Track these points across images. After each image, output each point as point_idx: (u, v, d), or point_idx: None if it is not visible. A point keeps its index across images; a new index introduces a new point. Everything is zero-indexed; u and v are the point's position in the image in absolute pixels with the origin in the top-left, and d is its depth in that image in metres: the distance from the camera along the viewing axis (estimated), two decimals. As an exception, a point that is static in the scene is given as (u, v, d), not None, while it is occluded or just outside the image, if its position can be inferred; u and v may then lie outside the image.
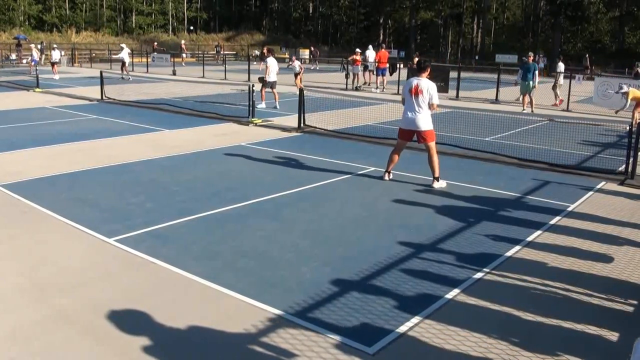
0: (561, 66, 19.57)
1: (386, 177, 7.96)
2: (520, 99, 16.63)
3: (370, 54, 27.54)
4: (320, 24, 67.29)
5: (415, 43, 56.87)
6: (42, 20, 55.42)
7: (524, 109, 16.02)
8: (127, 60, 24.98)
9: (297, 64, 20.24)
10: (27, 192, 6.90)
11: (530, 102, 16.19)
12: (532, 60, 16.54)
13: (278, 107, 15.59)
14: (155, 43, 43.93)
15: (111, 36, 55.09)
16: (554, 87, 18.67)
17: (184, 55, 39.05)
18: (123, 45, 26.17)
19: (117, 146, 10.12)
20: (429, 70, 7.72)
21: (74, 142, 10.40)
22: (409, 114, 7.59)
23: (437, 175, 7.67)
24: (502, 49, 46.34)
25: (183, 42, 44.66)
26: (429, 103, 7.50)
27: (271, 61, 15.45)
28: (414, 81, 7.57)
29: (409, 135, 7.77)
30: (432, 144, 7.61)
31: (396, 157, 7.92)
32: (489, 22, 60.07)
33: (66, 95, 18.05)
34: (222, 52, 43.88)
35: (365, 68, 25.53)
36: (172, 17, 63.97)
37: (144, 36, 57.95)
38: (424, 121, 7.56)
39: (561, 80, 18.71)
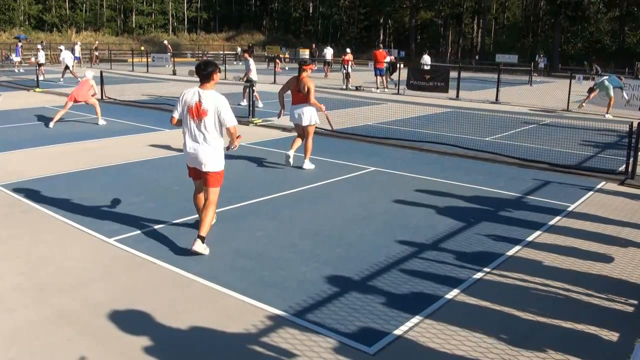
0: (426, 59, 24.86)
1: None
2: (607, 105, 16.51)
3: (328, 51, 29.08)
4: (320, 24, 67.26)
5: (415, 43, 56.84)
6: (42, 20, 55.37)
7: (607, 113, 15.77)
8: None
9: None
10: (27, 192, 6.90)
11: (608, 105, 16.08)
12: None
13: (261, 105, 15.60)
14: (96, 45, 39.83)
15: (111, 36, 55.10)
16: None
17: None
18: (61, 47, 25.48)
19: (117, 146, 10.12)
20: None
21: (74, 142, 10.40)
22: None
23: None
24: (502, 49, 46.34)
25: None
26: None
27: (252, 62, 16.01)
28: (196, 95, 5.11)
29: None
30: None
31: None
32: (489, 22, 60.05)
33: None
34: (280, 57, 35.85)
35: (325, 64, 27.52)
36: (172, 17, 63.96)
37: (144, 36, 57.94)
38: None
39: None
